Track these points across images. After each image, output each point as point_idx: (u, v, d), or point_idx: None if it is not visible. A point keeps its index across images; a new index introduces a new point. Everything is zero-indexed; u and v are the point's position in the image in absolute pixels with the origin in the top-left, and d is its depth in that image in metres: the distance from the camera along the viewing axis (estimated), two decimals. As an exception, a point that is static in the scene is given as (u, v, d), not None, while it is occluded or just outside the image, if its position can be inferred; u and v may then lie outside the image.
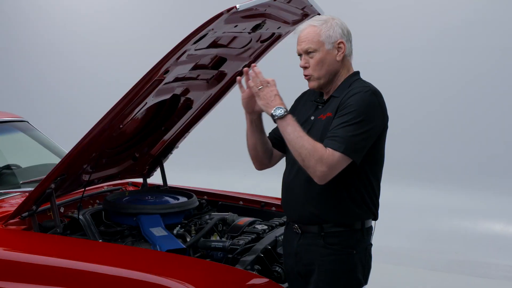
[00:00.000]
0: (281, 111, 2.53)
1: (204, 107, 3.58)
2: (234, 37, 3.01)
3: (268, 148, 2.85)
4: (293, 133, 2.51)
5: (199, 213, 3.54)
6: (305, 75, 2.69)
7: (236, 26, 2.84)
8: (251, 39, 3.13)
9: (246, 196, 3.85)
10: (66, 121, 8.58)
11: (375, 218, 2.70)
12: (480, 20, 6.42)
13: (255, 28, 2.98)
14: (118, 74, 8.35)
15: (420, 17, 6.64)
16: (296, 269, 2.68)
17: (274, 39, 3.31)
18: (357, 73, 2.73)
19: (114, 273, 2.56)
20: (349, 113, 2.52)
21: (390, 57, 6.74)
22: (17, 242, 2.89)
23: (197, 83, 3.29)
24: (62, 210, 3.19)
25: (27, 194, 3.28)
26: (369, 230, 2.68)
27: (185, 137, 3.76)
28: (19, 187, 3.60)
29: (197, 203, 3.41)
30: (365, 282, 2.70)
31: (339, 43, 2.64)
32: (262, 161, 2.88)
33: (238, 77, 2.72)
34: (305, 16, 3.23)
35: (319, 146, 2.47)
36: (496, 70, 6.41)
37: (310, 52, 2.65)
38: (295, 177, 2.66)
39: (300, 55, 2.69)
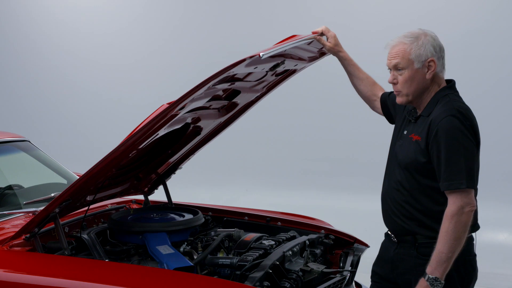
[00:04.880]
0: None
1: (212, 132, 3.60)
2: (251, 72, 3.02)
3: (361, 92, 3.15)
4: (448, 255, 2.55)
5: (204, 229, 3.51)
6: (394, 91, 2.77)
7: (255, 67, 2.87)
8: (266, 73, 3.14)
9: (251, 211, 3.82)
10: (68, 139, 8.57)
11: (474, 229, 2.73)
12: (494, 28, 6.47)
13: (274, 67, 3.00)
14: (119, 93, 8.37)
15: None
16: (392, 276, 2.84)
17: (289, 73, 3.35)
18: (447, 87, 2.74)
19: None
20: (438, 151, 2.60)
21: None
22: (21, 264, 2.85)
23: (208, 112, 3.30)
24: (66, 229, 3.16)
25: (30, 215, 3.26)
26: (467, 240, 2.66)
27: (189, 159, 3.75)
28: (21, 208, 3.57)
29: (203, 219, 3.39)
30: None
31: (429, 62, 2.67)
32: (364, 99, 3.18)
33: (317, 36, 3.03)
34: (322, 54, 3.27)
35: (447, 223, 2.54)
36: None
37: (399, 69, 2.70)
38: (389, 189, 2.82)
39: (389, 69, 2.75)
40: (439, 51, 2.69)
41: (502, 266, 5.89)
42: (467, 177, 2.55)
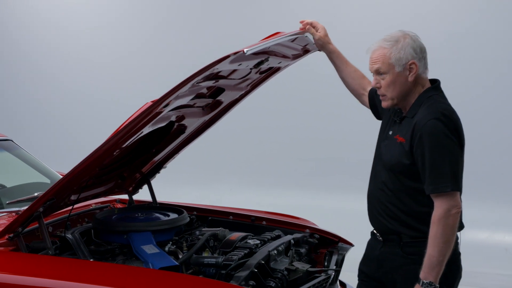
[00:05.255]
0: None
1: (196, 131, 3.59)
2: (235, 70, 3.02)
3: (350, 86, 3.16)
4: (439, 259, 2.56)
5: (189, 229, 3.50)
6: (379, 94, 2.78)
7: (240, 64, 2.87)
8: (251, 71, 3.14)
9: (236, 210, 3.82)
10: (51, 138, 8.51)
11: (458, 228, 2.72)
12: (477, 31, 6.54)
13: (258, 65, 3.00)
14: (103, 91, 8.32)
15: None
16: (377, 274, 2.85)
17: (273, 71, 3.36)
18: (432, 88, 2.73)
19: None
20: (422, 155, 2.60)
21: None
22: (5, 264, 2.82)
23: (193, 110, 3.29)
24: (50, 229, 3.13)
25: (14, 214, 3.23)
26: None
27: (174, 158, 3.74)
28: (4, 207, 3.53)
29: (188, 219, 3.37)
30: None
31: (410, 64, 2.66)
32: (353, 94, 3.19)
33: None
34: (306, 51, 3.28)
35: (436, 227, 2.55)
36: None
37: (381, 73, 2.70)
38: (374, 189, 2.83)
39: (372, 73, 2.76)
40: (420, 52, 2.68)
41: (484, 265, 5.94)
42: (452, 180, 2.56)
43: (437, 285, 2.57)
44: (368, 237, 2.99)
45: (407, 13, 6.82)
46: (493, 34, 6.58)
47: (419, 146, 2.62)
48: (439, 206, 2.56)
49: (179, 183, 7.24)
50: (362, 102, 3.17)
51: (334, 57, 3.14)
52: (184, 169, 7.10)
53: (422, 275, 2.59)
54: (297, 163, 7.48)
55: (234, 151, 7.64)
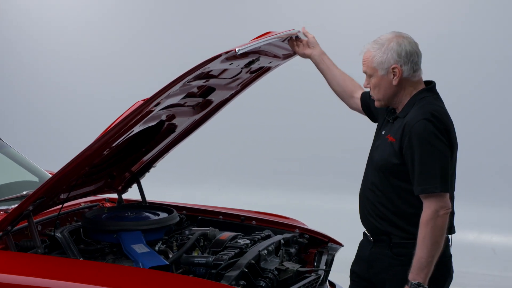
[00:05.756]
0: None
1: (186, 130, 3.59)
2: (225, 69, 3.02)
3: (339, 89, 3.13)
4: (428, 260, 2.56)
5: (179, 228, 3.50)
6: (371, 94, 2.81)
7: (231, 63, 2.87)
8: (241, 71, 3.15)
9: (225, 210, 3.82)
10: (39, 136, 8.46)
11: (450, 232, 2.72)
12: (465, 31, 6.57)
13: (249, 64, 3.01)
14: (93, 89, 8.28)
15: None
16: (367, 275, 2.86)
17: (263, 70, 3.36)
18: (426, 90, 2.73)
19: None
20: (412, 155, 2.61)
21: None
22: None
23: (183, 109, 3.30)
24: (39, 228, 3.12)
25: (2, 213, 3.21)
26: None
27: (163, 157, 3.73)
28: (-9, 206, 3.51)
29: (178, 218, 3.37)
30: None
31: (393, 68, 2.66)
32: (341, 97, 3.16)
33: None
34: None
35: (424, 229, 2.55)
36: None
37: (368, 75, 2.73)
38: (365, 189, 2.84)
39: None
40: (405, 56, 2.67)
41: (472, 265, 5.98)
42: (441, 181, 2.57)
43: (426, 286, 2.58)
44: (359, 237, 3.00)
45: (397, 13, 6.83)
46: (480, 34, 6.61)
47: (408, 147, 2.63)
48: (428, 207, 2.57)
49: (168, 182, 7.22)
50: (353, 104, 3.15)
51: (325, 58, 3.14)
52: (173, 169, 7.08)
53: (410, 276, 2.59)
54: (288, 163, 7.47)
55: (224, 151, 7.62)
